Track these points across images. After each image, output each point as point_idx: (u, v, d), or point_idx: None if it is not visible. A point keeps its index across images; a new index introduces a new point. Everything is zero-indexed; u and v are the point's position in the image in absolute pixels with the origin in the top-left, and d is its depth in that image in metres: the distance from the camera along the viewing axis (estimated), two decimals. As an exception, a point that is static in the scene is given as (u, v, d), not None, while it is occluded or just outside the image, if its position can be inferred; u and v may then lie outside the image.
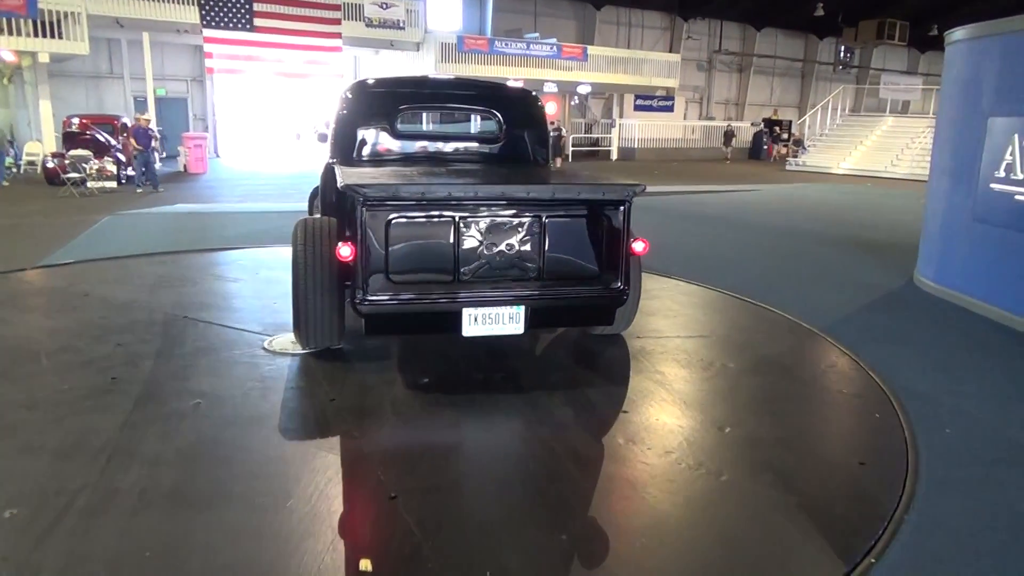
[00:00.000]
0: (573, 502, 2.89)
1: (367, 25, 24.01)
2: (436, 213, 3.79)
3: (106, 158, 17.00)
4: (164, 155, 21.62)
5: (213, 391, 3.79)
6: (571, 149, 29.50)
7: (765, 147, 35.19)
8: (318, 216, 5.53)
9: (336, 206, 4.89)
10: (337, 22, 22.88)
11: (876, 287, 7.10)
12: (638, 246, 4.22)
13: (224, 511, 2.71)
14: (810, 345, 5.20)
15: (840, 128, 30.32)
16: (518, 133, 5.61)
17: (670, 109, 33.46)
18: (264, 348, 4.50)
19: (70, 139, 17.73)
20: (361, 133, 5.27)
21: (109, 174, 16.61)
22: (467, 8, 28.18)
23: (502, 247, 3.87)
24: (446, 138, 5.87)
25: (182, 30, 21.68)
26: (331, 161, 5.34)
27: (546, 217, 3.91)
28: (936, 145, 7.24)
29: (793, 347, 5.14)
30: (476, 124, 5.99)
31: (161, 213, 11.07)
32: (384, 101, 5.42)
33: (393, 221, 3.72)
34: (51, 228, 9.92)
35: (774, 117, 38.93)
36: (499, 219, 3.86)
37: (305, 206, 7.14)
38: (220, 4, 20.85)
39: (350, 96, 5.44)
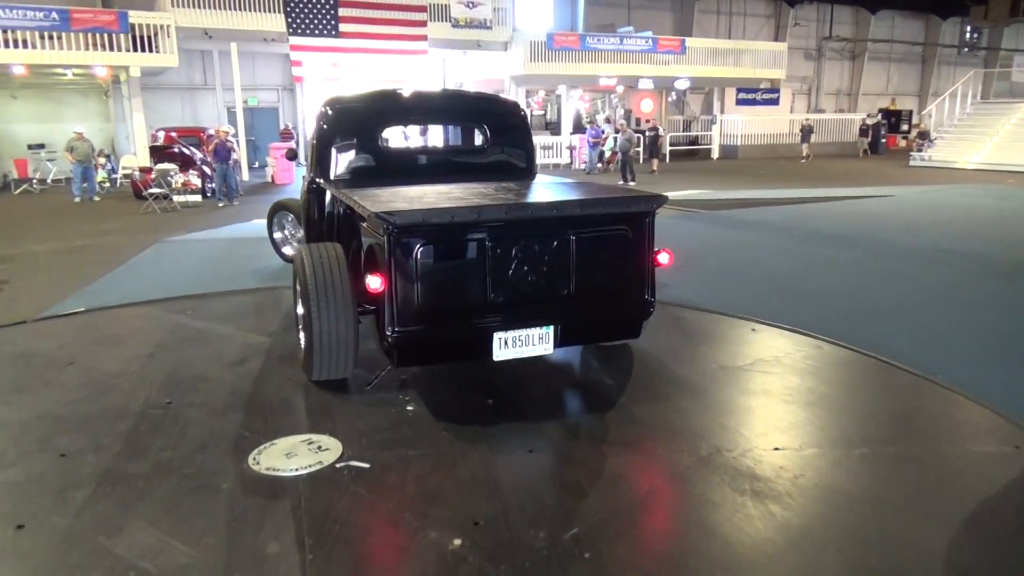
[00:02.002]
0: None
1: (454, 26, 23.18)
2: (464, 236, 3.68)
3: (191, 171, 16.75)
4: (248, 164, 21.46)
5: (139, 564, 2.57)
6: (668, 149, 27.62)
7: (883, 140, 32.13)
8: (293, 240, 6.14)
9: (336, 230, 4.88)
10: (423, 24, 22.08)
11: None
12: (663, 258, 4.17)
13: None
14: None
15: (970, 117, 26.98)
16: (504, 143, 5.58)
17: (775, 102, 31.01)
18: (251, 464, 3.29)
19: (156, 152, 17.65)
20: (345, 150, 5.15)
21: (194, 187, 16.39)
22: (557, 4, 26.84)
23: (530, 266, 3.79)
24: (432, 152, 5.76)
25: (269, 39, 21.47)
26: (316, 181, 5.16)
27: (573, 233, 3.84)
28: None
29: None
30: (461, 136, 5.83)
31: (210, 239, 10.27)
32: (368, 116, 5.35)
33: (422, 247, 3.61)
34: (115, 251, 9.58)
35: (892, 107, 35.83)
36: (527, 238, 3.77)
37: None
38: (306, 11, 20.41)
39: (331, 113, 5.26)
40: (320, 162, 5.12)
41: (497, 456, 3.43)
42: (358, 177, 5.07)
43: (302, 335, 4.34)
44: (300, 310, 4.32)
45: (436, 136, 6.20)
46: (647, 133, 24.65)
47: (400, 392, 4.20)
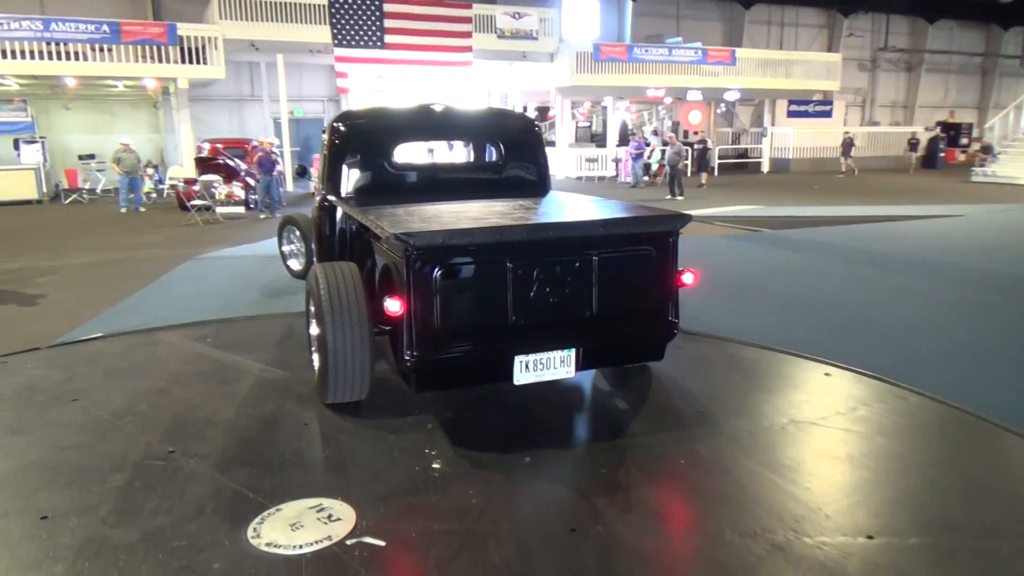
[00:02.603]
0: None
1: (499, 37, 22.97)
2: (485, 257, 3.58)
3: (234, 183, 16.72)
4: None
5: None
6: (717, 162, 26.86)
7: (942, 155, 30.82)
8: (298, 254, 6.30)
9: (348, 248, 4.84)
10: (468, 35, 21.89)
11: None
12: (687, 278, 4.06)
13: None
14: None
15: (1033, 130, 25.64)
16: (517, 159, 5.53)
17: (828, 115, 30.03)
18: (249, 537, 2.87)
19: (201, 164, 17.68)
20: (357, 166, 5.07)
21: (237, 199, 16.35)
22: (604, 14, 26.39)
23: (552, 287, 3.68)
24: (445, 168, 5.68)
25: (315, 50, 21.49)
26: (327, 198, 5.10)
27: (596, 253, 3.74)
28: None
29: None
30: (474, 152, 5.71)
31: (244, 256, 9.98)
32: (380, 132, 5.29)
33: (442, 269, 3.50)
34: (151, 265, 9.47)
35: (950, 120, 34.45)
36: (549, 259, 3.68)
37: None
38: (351, 23, 20.38)
39: (343, 128, 5.18)
40: (331, 178, 5.06)
41: (535, 535, 2.93)
42: (370, 194, 5.00)
43: (315, 357, 4.20)
44: (314, 331, 4.18)
45: (449, 152, 6.15)
46: (696, 146, 23.99)
47: (426, 443, 3.75)
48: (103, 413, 4.11)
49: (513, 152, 5.52)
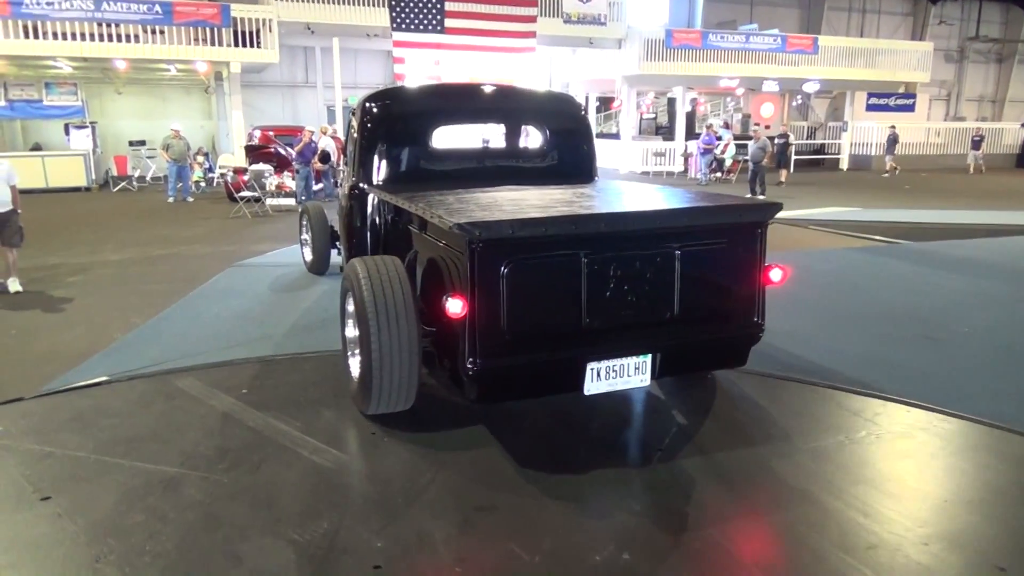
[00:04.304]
0: None
1: (565, 22, 21.64)
2: (557, 251, 3.22)
3: (285, 173, 15.74)
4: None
5: None
6: (793, 157, 25.04)
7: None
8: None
9: (383, 241, 4.61)
10: (533, 19, 20.53)
11: None
12: (775, 274, 3.67)
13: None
14: None
15: None
16: (564, 145, 5.28)
17: (910, 108, 27.84)
18: None
19: (252, 152, 16.77)
20: (393, 151, 4.75)
21: (288, 190, 15.33)
22: (675, 0, 24.76)
23: (630, 285, 3.34)
24: (487, 153, 5.29)
25: (372, 34, 20.48)
26: (359, 186, 4.77)
27: (679, 246, 3.40)
28: None
29: None
30: (518, 136, 5.29)
31: (289, 264, 8.48)
32: (418, 114, 4.98)
33: (510, 264, 3.14)
34: (190, 266, 8.57)
35: (1046, 116, 31.91)
36: (628, 252, 3.32)
37: None
38: (411, 5, 19.20)
39: (377, 110, 4.81)
40: (363, 164, 4.72)
41: None
42: (405, 181, 4.65)
43: (353, 362, 3.89)
44: (351, 332, 3.90)
45: (490, 135, 5.61)
46: (776, 140, 22.25)
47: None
48: (79, 529, 2.81)
49: (559, 137, 5.23)
